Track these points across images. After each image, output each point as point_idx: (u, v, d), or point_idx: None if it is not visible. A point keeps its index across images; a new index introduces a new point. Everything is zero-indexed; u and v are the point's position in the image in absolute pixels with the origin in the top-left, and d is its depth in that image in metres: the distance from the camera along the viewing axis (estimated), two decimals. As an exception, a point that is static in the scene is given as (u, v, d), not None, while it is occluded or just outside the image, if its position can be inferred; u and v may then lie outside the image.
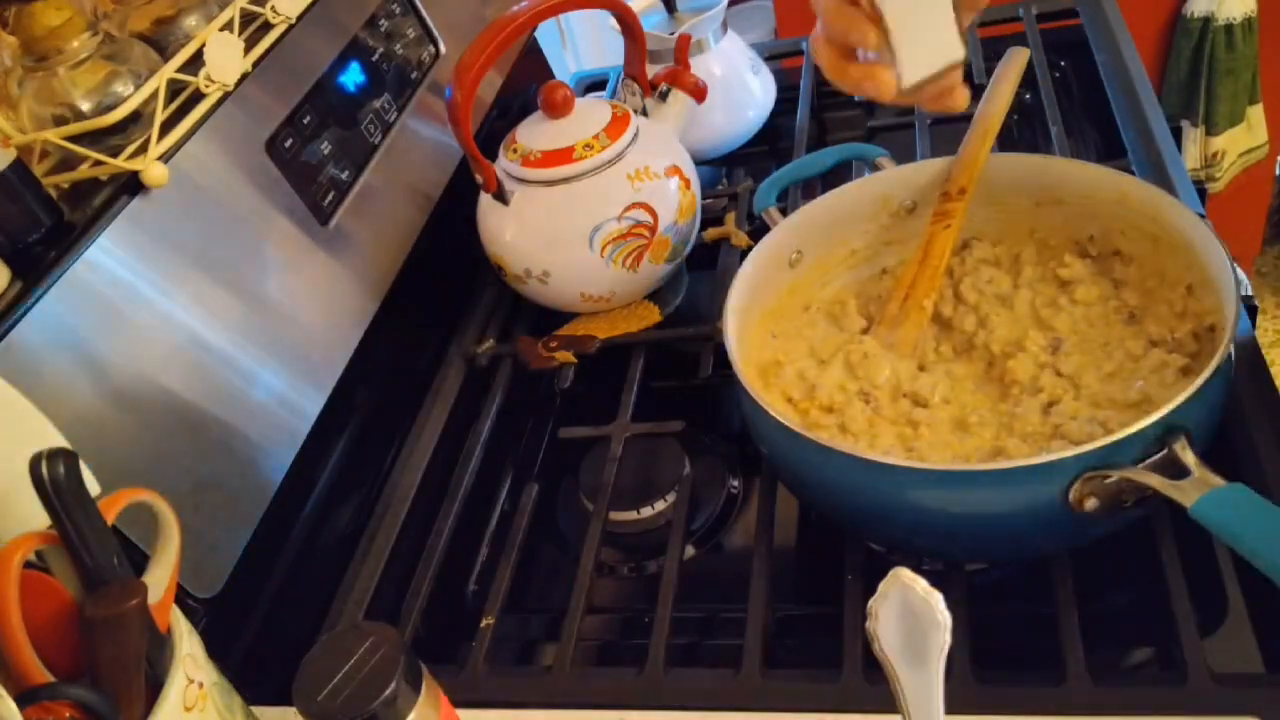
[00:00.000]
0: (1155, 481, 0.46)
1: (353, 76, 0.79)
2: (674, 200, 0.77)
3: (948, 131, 0.91)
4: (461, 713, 0.49)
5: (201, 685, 0.47)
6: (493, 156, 0.78)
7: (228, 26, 0.67)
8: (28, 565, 0.42)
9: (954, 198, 0.66)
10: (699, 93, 0.84)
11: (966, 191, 0.66)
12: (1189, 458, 0.47)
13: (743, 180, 0.93)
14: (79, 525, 0.43)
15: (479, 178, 0.77)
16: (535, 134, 0.77)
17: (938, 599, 0.37)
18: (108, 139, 0.62)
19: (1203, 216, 0.58)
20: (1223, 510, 0.44)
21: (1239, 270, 0.62)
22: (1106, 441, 0.47)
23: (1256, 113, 1.71)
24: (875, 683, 0.52)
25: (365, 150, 0.79)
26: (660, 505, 0.71)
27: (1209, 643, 0.51)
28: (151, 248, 0.60)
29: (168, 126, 0.62)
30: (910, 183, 0.70)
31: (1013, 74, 0.70)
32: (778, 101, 1.00)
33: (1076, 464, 0.47)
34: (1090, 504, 0.48)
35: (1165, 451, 0.47)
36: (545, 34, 1.33)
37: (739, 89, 0.97)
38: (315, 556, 0.69)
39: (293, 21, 0.73)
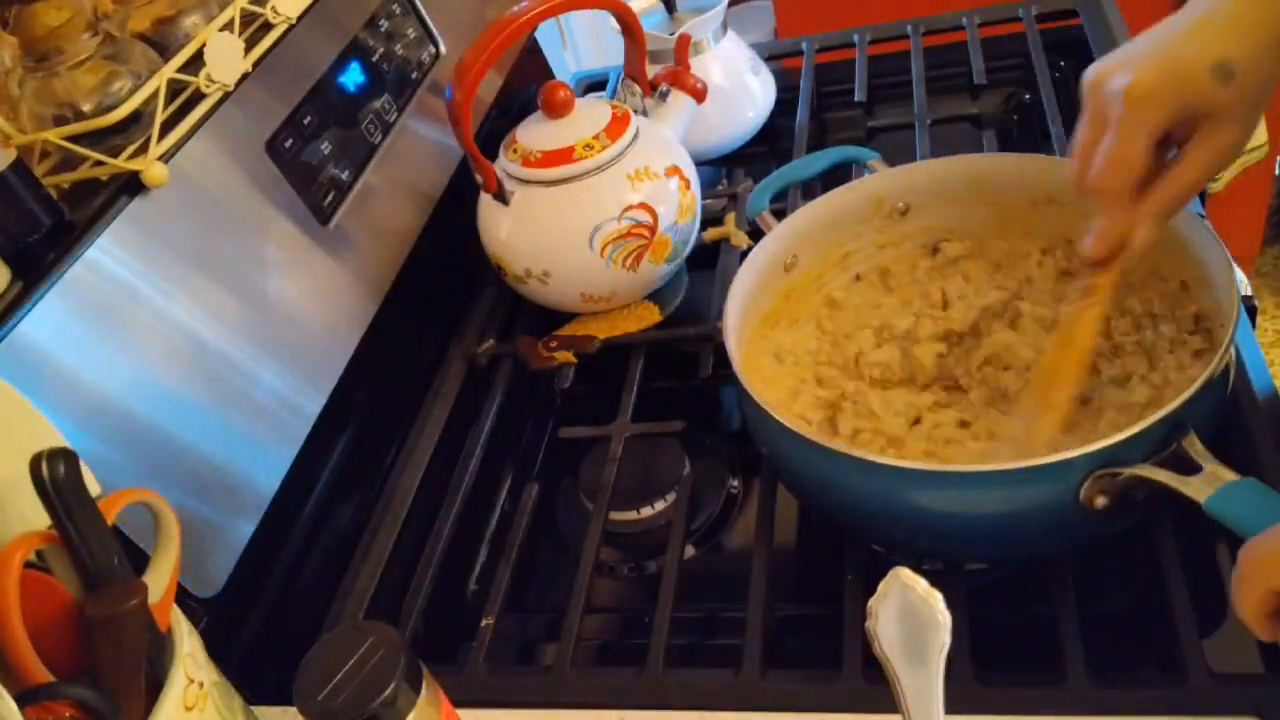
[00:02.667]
0: (1166, 477, 0.46)
1: (353, 77, 0.79)
2: (674, 200, 0.77)
3: (947, 131, 0.91)
4: (461, 713, 0.49)
5: (202, 685, 0.47)
6: (493, 156, 0.78)
7: (228, 27, 0.67)
8: (28, 565, 0.42)
9: (1102, 267, 0.55)
10: (699, 93, 0.84)
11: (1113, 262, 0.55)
12: (1199, 452, 0.47)
13: (743, 180, 0.93)
14: (79, 525, 0.43)
15: (479, 178, 0.77)
16: (535, 134, 0.77)
17: (938, 599, 0.37)
18: (108, 139, 0.62)
19: (1202, 217, 0.58)
20: (1237, 505, 0.44)
21: (1239, 270, 0.62)
22: (1116, 439, 0.47)
23: (1256, 113, 1.71)
24: (875, 683, 0.51)
25: (365, 150, 0.79)
26: (660, 505, 0.71)
27: (1209, 643, 0.51)
28: (152, 248, 0.60)
29: (168, 127, 0.62)
30: (902, 184, 0.70)
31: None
32: (778, 102, 1.00)
33: (1087, 462, 0.47)
34: (1100, 502, 0.48)
35: (1174, 447, 0.47)
36: (545, 34, 1.33)
37: (739, 89, 0.97)
38: (315, 556, 0.69)
39: (293, 22, 0.73)
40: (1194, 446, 0.47)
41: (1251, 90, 0.49)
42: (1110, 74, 0.50)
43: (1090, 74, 0.51)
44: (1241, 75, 0.48)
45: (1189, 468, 0.47)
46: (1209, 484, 0.45)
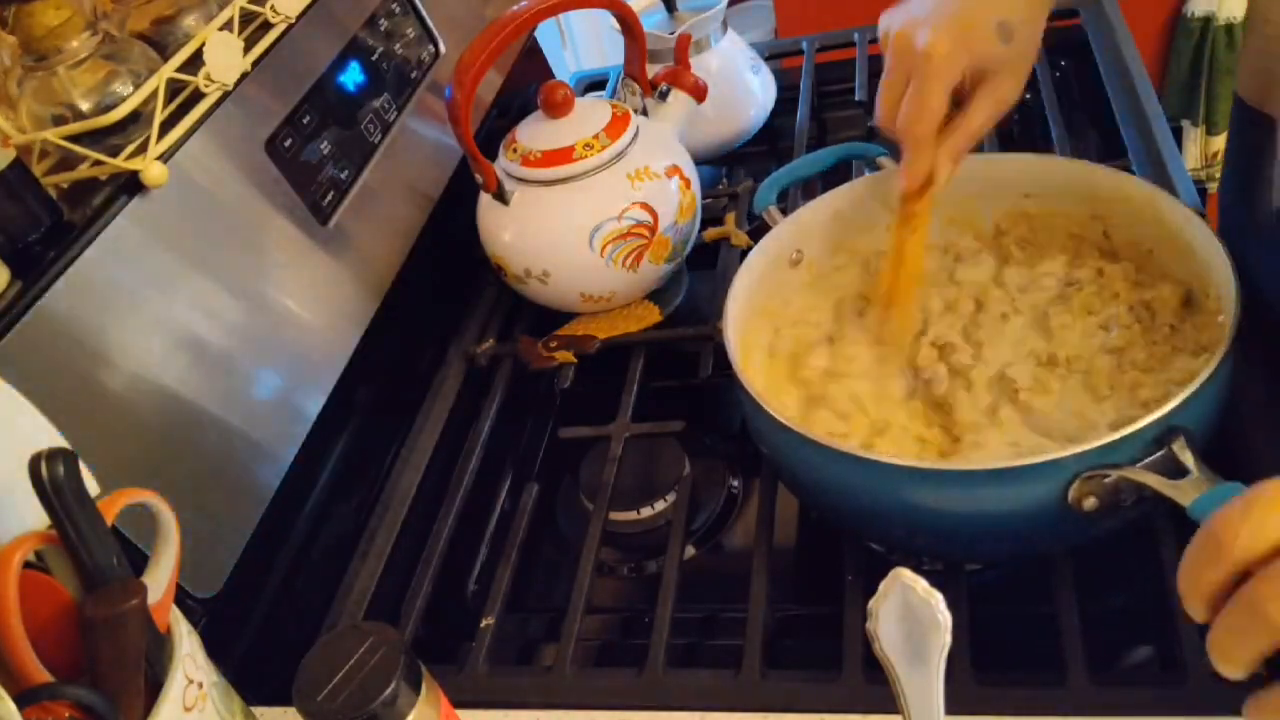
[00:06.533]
0: (1153, 481, 0.46)
1: (352, 76, 0.79)
2: (674, 200, 0.77)
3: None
4: (461, 713, 0.49)
5: (201, 685, 0.47)
6: (493, 156, 0.78)
7: (227, 26, 0.67)
8: (28, 565, 0.42)
9: (914, 198, 0.63)
10: (699, 92, 0.84)
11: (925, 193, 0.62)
12: (1188, 457, 0.47)
13: (743, 180, 0.93)
14: (79, 525, 0.42)
15: (479, 177, 0.77)
16: (535, 134, 0.77)
17: (938, 599, 0.37)
18: (107, 139, 0.62)
19: (1203, 216, 0.58)
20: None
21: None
22: (1105, 441, 0.47)
23: (1256, 113, 1.71)
24: (875, 683, 0.52)
25: (365, 150, 0.79)
26: (660, 505, 0.71)
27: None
28: (151, 247, 0.60)
29: (167, 126, 0.62)
30: None
31: None
32: (778, 101, 1.00)
33: (1075, 463, 0.47)
34: (1089, 503, 0.48)
35: (1164, 451, 0.47)
36: (545, 34, 1.33)
37: (739, 89, 0.97)
38: (315, 556, 0.69)
39: (292, 21, 0.73)
40: (1183, 451, 0.47)
41: (1026, 46, 0.58)
42: (913, 31, 0.57)
43: (891, 26, 0.59)
44: (1018, 33, 0.57)
45: (1178, 471, 0.47)
46: (1195, 488, 0.45)
